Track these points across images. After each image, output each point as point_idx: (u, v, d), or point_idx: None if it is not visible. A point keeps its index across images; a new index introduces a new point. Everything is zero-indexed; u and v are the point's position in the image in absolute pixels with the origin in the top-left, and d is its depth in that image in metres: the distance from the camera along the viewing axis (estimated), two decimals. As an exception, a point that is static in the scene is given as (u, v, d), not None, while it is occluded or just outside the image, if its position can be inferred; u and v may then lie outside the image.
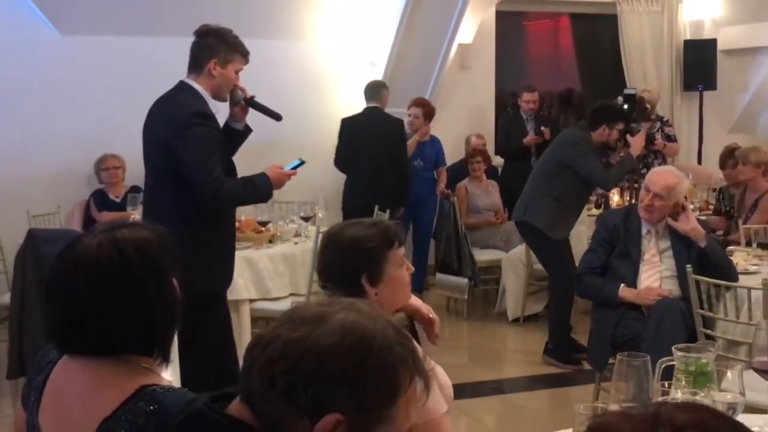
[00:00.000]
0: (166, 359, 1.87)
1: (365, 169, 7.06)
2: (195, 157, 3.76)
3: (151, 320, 1.82)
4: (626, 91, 7.78)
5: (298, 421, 1.39)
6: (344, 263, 2.45)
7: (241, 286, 5.19)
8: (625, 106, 6.47)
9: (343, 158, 7.10)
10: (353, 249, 2.45)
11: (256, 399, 1.41)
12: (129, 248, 1.81)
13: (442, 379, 2.50)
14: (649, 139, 7.07)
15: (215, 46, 3.90)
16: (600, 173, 5.78)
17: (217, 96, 3.96)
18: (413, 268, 2.58)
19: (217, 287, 4.05)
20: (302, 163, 4.17)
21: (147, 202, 4.13)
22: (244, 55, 3.97)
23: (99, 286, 1.78)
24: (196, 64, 3.93)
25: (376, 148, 7.02)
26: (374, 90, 7.30)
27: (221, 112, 4.10)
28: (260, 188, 3.98)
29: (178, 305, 1.89)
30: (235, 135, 4.11)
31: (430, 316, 2.67)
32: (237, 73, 3.96)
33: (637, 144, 6.00)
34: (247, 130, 4.16)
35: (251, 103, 4.08)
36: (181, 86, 3.94)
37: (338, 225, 2.60)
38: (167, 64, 7.29)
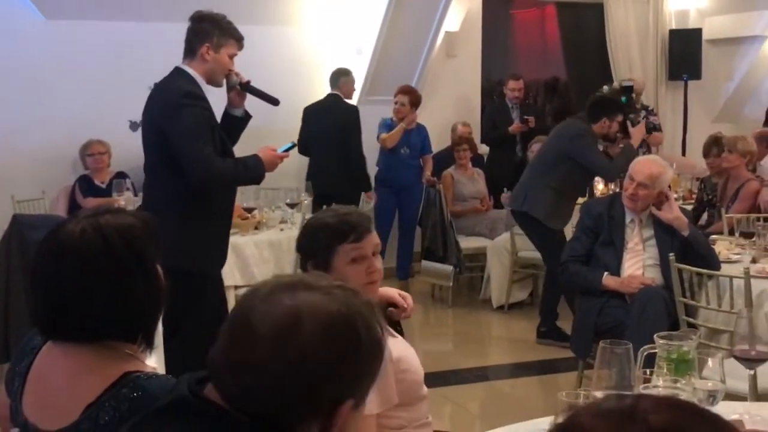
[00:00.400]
0: (150, 345, 1.88)
1: (318, 155, 7.25)
2: (184, 137, 3.77)
3: (135, 306, 1.82)
4: (624, 83, 7.85)
5: (312, 420, 1.38)
6: (301, 247, 2.52)
7: (227, 273, 5.18)
8: (623, 98, 6.55)
9: (303, 144, 7.14)
10: (305, 235, 2.51)
11: (248, 399, 1.37)
12: (113, 234, 1.82)
13: (413, 362, 2.49)
14: (649, 129, 7.13)
15: (208, 31, 3.92)
16: (605, 164, 5.88)
17: (212, 81, 3.97)
18: (380, 272, 2.48)
19: (209, 267, 4.06)
20: (294, 145, 4.20)
21: (145, 185, 4.14)
22: (238, 39, 3.99)
23: (83, 272, 1.79)
24: (190, 50, 3.95)
25: (329, 135, 7.16)
26: (334, 77, 7.44)
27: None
28: (252, 169, 3.98)
29: (163, 292, 1.89)
30: (235, 122, 4.14)
31: (405, 306, 2.64)
32: (231, 57, 3.98)
33: (637, 134, 6.10)
34: (247, 116, 4.18)
35: (247, 87, 4.08)
36: (176, 71, 3.96)
37: (322, 210, 2.64)
38: (152, 49, 7.31)
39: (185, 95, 3.82)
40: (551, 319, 6.10)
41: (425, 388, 2.50)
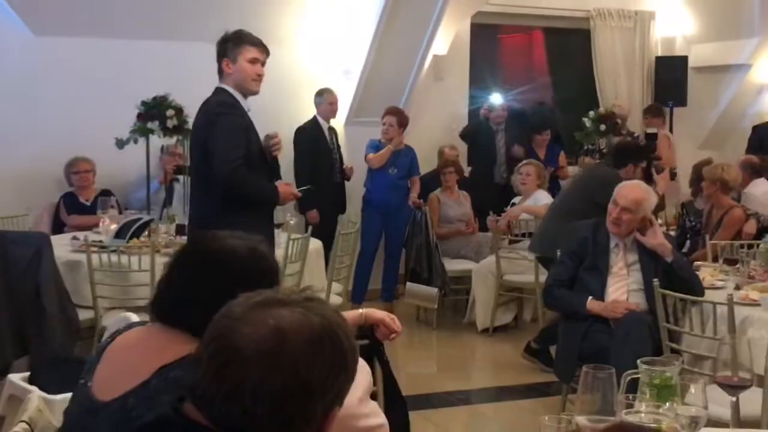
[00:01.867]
0: None
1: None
2: (218, 141, 4.09)
3: None
4: (648, 131, 7.91)
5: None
6: None
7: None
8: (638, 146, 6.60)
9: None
10: None
11: (247, 421, 1.37)
12: (262, 252, 2.02)
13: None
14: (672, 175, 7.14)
15: (222, 48, 4.24)
16: None
17: (245, 89, 4.24)
18: None
19: None
20: (309, 188, 4.68)
21: (193, 196, 4.52)
22: (254, 43, 4.24)
23: (230, 280, 1.87)
24: (219, 70, 4.26)
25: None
26: (315, 99, 7.64)
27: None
28: (268, 190, 4.31)
29: None
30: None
31: (395, 329, 2.64)
32: (253, 62, 4.22)
33: (662, 182, 6.04)
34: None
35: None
36: (215, 90, 4.30)
37: None
38: (140, 67, 7.32)
39: (220, 104, 4.17)
40: (548, 342, 6.01)
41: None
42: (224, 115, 4.12)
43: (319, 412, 1.40)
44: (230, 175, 4.07)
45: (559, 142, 8.79)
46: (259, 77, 4.23)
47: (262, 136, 4.35)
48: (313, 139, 7.46)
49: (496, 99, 8.52)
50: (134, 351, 1.94)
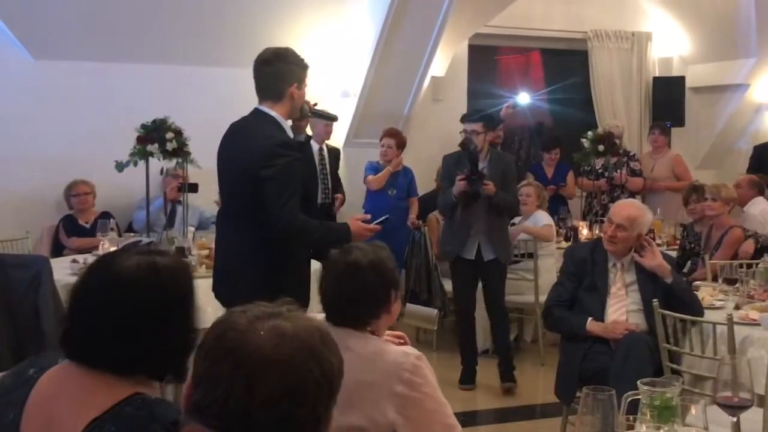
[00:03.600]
0: (182, 379, 1.88)
1: None
2: (274, 187, 3.67)
3: (172, 347, 1.84)
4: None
5: None
6: None
7: (210, 315, 5.15)
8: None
9: None
10: None
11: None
12: (166, 273, 1.85)
13: None
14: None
15: (294, 70, 3.88)
16: None
17: (292, 117, 3.91)
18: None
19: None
20: (387, 218, 4.12)
21: (226, 230, 4.01)
22: (306, 68, 3.95)
23: (134, 307, 1.80)
24: (273, 92, 3.86)
25: None
26: None
27: None
28: (336, 233, 3.91)
29: (196, 331, 1.91)
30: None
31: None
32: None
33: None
34: (307, 139, 4.17)
35: (316, 112, 4.10)
36: (260, 115, 3.87)
37: None
38: (140, 90, 7.35)
39: (279, 145, 3.73)
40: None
41: None
42: (284, 157, 3.69)
43: (325, 415, 1.44)
44: (288, 227, 3.69)
45: (570, 162, 8.75)
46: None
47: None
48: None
49: (523, 99, 8.53)
50: (56, 403, 1.80)
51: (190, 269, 1.96)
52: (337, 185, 7.77)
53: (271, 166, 3.67)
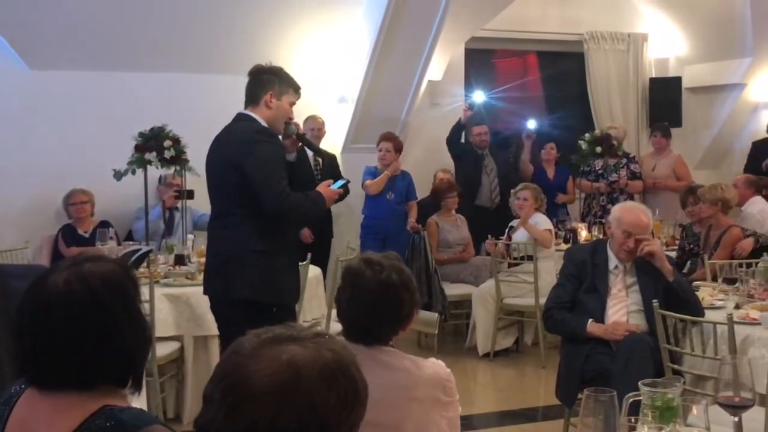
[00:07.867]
0: (138, 388, 1.87)
1: None
2: (262, 170, 3.99)
3: (124, 351, 1.83)
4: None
5: None
6: None
7: (210, 321, 5.15)
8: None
9: None
10: None
11: None
12: (97, 282, 1.82)
13: None
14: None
15: (270, 80, 4.16)
16: None
17: (273, 127, 4.18)
18: None
19: (289, 299, 4.28)
20: (347, 182, 4.52)
21: (218, 227, 4.25)
22: (297, 89, 4.24)
23: (70, 323, 1.78)
24: (252, 98, 4.18)
25: None
26: None
27: None
28: (316, 202, 4.24)
29: (148, 332, 1.91)
30: (288, 167, 4.36)
31: None
32: (291, 105, 4.23)
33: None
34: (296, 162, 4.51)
35: (302, 138, 4.47)
36: (241, 116, 4.19)
37: None
38: (137, 99, 7.35)
39: (259, 132, 4.07)
40: None
41: None
42: (264, 143, 4.04)
43: None
44: (281, 207, 4.00)
45: (569, 165, 8.74)
46: (290, 120, 4.28)
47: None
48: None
49: (478, 97, 8.59)
50: (32, 423, 1.81)
51: (127, 270, 1.91)
52: None
53: (255, 152, 3.99)
